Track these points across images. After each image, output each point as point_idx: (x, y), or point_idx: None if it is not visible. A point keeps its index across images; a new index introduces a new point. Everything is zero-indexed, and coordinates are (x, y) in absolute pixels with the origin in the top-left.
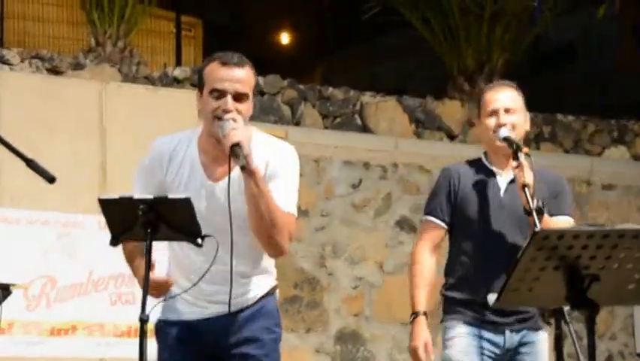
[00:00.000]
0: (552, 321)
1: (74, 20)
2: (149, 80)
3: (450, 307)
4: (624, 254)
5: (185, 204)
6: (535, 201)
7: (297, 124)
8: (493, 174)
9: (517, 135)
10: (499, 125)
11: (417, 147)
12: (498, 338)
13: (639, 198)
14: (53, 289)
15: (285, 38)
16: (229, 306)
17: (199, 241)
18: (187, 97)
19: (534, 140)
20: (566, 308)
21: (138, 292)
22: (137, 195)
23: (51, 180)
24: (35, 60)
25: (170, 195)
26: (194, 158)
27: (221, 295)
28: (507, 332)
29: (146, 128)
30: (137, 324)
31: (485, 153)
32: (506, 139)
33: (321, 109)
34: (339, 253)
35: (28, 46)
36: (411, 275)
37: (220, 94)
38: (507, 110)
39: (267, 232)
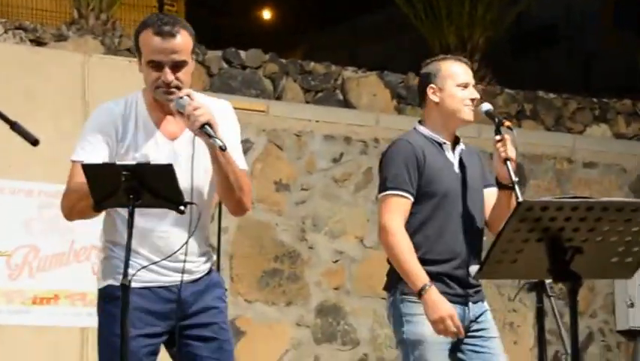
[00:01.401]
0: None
1: None
2: (131, 53)
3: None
4: (608, 227)
5: (167, 170)
6: (515, 176)
7: (279, 98)
8: (442, 147)
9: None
10: (473, 100)
11: (398, 123)
12: (462, 311)
13: (620, 176)
14: (36, 259)
15: (266, 15)
16: (179, 274)
17: (181, 208)
18: None
19: (515, 117)
20: (548, 282)
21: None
22: (119, 161)
23: (34, 142)
24: (18, 31)
25: (152, 162)
26: (146, 118)
27: (179, 264)
28: (470, 304)
29: None
30: None
31: (423, 123)
32: (488, 113)
33: (303, 83)
34: (319, 227)
35: (11, 17)
36: (395, 247)
37: (157, 65)
38: (475, 87)
39: (234, 194)
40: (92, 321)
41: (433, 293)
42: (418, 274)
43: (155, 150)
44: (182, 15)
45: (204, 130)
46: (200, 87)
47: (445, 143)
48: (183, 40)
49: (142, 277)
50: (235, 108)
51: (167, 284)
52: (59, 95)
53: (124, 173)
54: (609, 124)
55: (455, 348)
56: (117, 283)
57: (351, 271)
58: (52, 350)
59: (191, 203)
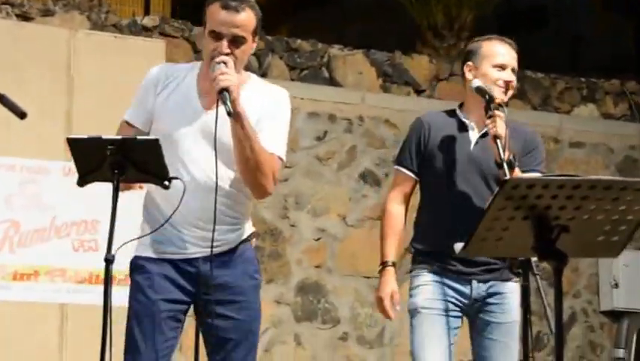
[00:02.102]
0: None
1: None
2: (117, 29)
3: (416, 258)
4: (595, 205)
5: (154, 145)
6: (507, 153)
7: (264, 75)
8: (465, 127)
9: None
10: (507, 83)
11: (383, 101)
12: (465, 288)
13: (607, 156)
14: (17, 234)
15: None
16: (212, 245)
17: (166, 183)
18: (156, 46)
19: None
20: (534, 260)
21: (101, 239)
22: (104, 135)
23: (22, 115)
24: (5, 6)
25: (139, 137)
26: (191, 85)
27: (205, 233)
28: (474, 282)
29: (114, 76)
30: (99, 271)
31: (461, 105)
32: (479, 89)
33: (289, 61)
34: (302, 205)
35: None
36: (381, 230)
37: (217, 36)
38: (513, 70)
39: (251, 173)
40: (72, 298)
41: (386, 273)
42: (383, 252)
43: (187, 115)
44: None
45: (221, 95)
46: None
47: (469, 124)
48: (247, 17)
49: (162, 249)
50: None
51: (186, 257)
52: (44, 70)
53: (109, 147)
54: (597, 104)
55: (471, 323)
56: (141, 254)
57: (333, 250)
58: (32, 325)
59: (175, 178)
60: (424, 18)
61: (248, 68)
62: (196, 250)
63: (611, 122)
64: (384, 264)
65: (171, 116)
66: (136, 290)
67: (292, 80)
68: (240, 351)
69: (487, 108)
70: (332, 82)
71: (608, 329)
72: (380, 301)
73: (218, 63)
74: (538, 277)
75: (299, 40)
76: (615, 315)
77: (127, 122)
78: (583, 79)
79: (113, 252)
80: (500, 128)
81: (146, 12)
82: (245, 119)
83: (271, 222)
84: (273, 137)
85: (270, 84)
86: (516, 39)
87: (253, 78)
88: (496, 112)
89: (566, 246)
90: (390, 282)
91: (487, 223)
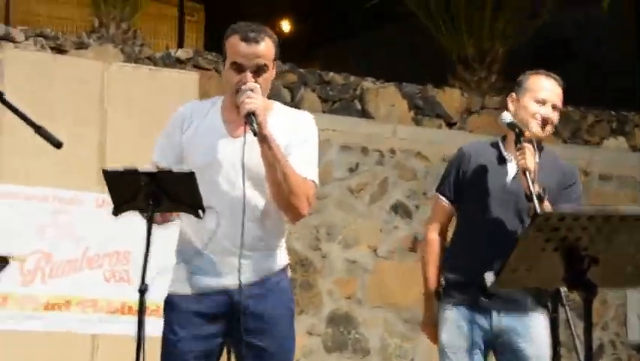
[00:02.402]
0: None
1: (79, 2)
2: (151, 61)
3: (444, 289)
4: (625, 237)
5: (189, 177)
6: (536, 186)
7: (296, 107)
8: (504, 160)
9: (545, 133)
10: (545, 119)
11: (415, 134)
12: (486, 321)
13: (636, 189)
14: (48, 265)
15: (285, 26)
16: (239, 274)
17: (200, 213)
18: (189, 78)
19: None
20: (563, 291)
21: (132, 270)
22: (140, 168)
23: (58, 145)
24: (40, 38)
25: (174, 169)
26: (215, 117)
27: (234, 264)
28: (494, 314)
29: (147, 109)
30: (131, 301)
31: (504, 137)
32: (510, 124)
33: (321, 93)
34: (333, 236)
35: (32, 25)
36: (423, 258)
37: (240, 68)
38: (554, 107)
39: (284, 196)
40: (103, 328)
41: (427, 302)
42: (425, 281)
43: (215, 145)
44: (202, 25)
45: (248, 117)
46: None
47: (508, 157)
48: (267, 46)
49: (197, 281)
50: None
51: (221, 286)
52: (78, 102)
53: (143, 179)
54: (626, 137)
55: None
56: (176, 291)
57: (364, 281)
58: (63, 356)
59: (209, 208)
60: (456, 51)
61: (281, 101)
62: (230, 279)
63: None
64: (426, 293)
65: (199, 148)
66: (168, 329)
67: (324, 112)
68: None
69: (517, 141)
70: (364, 114)
71: None
72: (422, 329)
73: (245, 90)
74: (567, 307)
75: (331, 73)
76: None
77: (156, 164)
78: (612, 112)
79: (146, 282)
80: (529, 161)
81: (180, 45)
82: (273, 142)
83: (303, 253)
84: (303, 161)
85: (294, 109)
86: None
87: (277, 105)
88: (525, 145)
89: (595, 277)
90: (431, 310)
91: (518, 255)
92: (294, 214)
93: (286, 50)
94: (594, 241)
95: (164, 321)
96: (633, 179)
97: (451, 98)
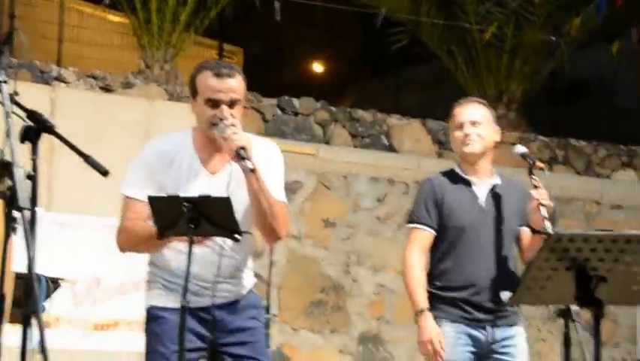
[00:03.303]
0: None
1: (126, 45)
2: None
3: (435, 305)
4: (630, 258)
5: (226, 202)
6: (546, 222)
7: (328, 143)
8: (469, 183)
9: (485, 145)
10: (465, 136)
11: (438, 166)
12: (480, 334)
13: None
14: (98, 288)
15: (318, 68)
16: (210, 295)
17: (237, 236)
18: None
19: (548, 162)
20: (574, 309)
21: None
22: (182, 194)
23: (104, 173)
24: (89, 79)
25: (212, 195)
26: (193, 155)
27: (215, 285)
28: (488, 328)
29: None
30: None
31: (458, 164)
32: (523, 155)
33: (351, 129)
34: (362, 261)
35: (83, 67)
36: (405, 279)
37: (215, 103)
38: (473, 123)
39: (268, 223)
40: None
41: (426, 318)
42: (418, 300)
43: (194, 183)
44: (240, 66)
45: (239, 153)
46: (255, 132)
47: (470, 179)
48: (238, 81)
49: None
50: (287, 151)
51: (201, 305)
52: (125, 137)
53: (185, 204)
54: (636, 169)
55: None
56: (158, 304)
57: (392, 303)
58: None
59: (247, 233)
60: (475, 90)
61: (314, 137)
62: (206, 300)
63: None
64: (421, 310)
65: (184, 188)
66: (154, 341)
67: (355, 147)
68: None
69: (530, 172)
70: (391, 148)
71: None
72: (428, 343)
73: (227, 126)
74: (577, 324)
75: (360, 111)
76: None
77: (134, 199)
78: (622, 146)
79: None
80: (544, 196)
81: None
82: (260, 174)
83: (334, 277)
84: (276, 187)
85: (260, 138)
86: (560, 110)
87: (246, 134)
88: (538, 183)
89: (603, 294)
90: (434, 325)
91: (532, 273)
92: (275, 236)
93: (319, 90)
94: (602, 261)
95: (150, 333)
96: None
97: None
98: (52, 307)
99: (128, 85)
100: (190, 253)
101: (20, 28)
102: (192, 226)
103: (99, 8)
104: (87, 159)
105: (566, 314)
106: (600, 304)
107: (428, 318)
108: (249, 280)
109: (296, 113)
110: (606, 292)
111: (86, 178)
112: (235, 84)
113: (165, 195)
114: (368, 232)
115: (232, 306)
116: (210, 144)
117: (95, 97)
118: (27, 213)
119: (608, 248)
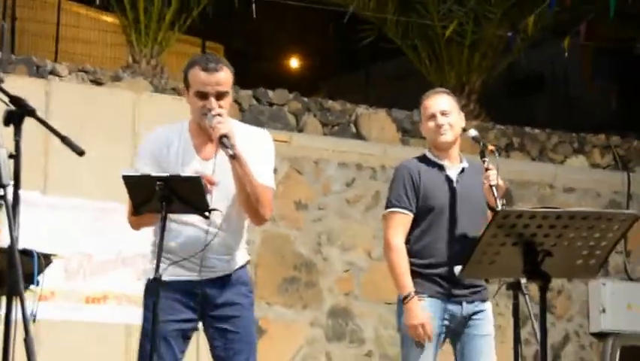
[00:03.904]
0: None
1: (115, 43)
2: (176, 92)
3: (415, 280)
4: (574, 233)
5: (196, 182)
6: (499, 201)
7: (300, 131)
8: (442, 167)
9: (455, 133)
10: (439, 126)
11: (403, 152)
12: (456, 309)
13: (595, 200)
14: (89, 264)
15: (293, 63)
16: (199, 271)
17: (206, 214)
18: None
19: (505, 149)
20: (523, 281)
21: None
22: (154, 173)
23: (80, 153)
24: (81, 73)
25: (183, 174)
26: (188, 142)
27: (211, 261)
28: (464, 303)
29: None
30: None
31: (429, 149)
32: (474, 138)
33: (322, 118)
34: (333, 241)
35: (78, 64)
36: (392, 262)
37: (204, 95)
38: (443, 113)
39: (252, 205)
40: (136, 319)
41: (414, 302)
42: (406, 285)
43: (187, 167)
44: None
45: (221, 140)
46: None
47: (443, 164)
48: (226, 74)
49: (172, 272)
50: None
51: (191, 278)
52: (113, 127)
53: (158, 183)
54: (586, 156)
55: (456, 337)
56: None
57: (360, 280)
58: (102, 342)
59: (215, 210)
60: (439, 82)
61: (287, 125)
62: (196, 274)
63: (598, 171)
64: (409, 295)
65: (177, 171)
66: (149, 311)
67: (325, 134)
68: (241, 357)
69: (482, 154)
70: (359, 136)
71: (596, 348)
72: (419, 327)
73: (214, 116)
74: (527, 296)
75: (330, 101)
76: (602, 336)
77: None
78: (574, 134)
79: (160, 272)
80: (493, 177)
81: None
82: (243, 159)
83: (307, 256)
84: (262, 172)
85: (250, 126)
86: (517, 101)
87: (236, 123)
88: (491, 167)
89: (549, 268)
90: (421, 309)
91: (481, 248)
92: (260, 219)
93: (294, 83)
94: (547, 237)
95: (146, 304)
96: (593, 191)
97: None
98: (46, 281)
99: (117, 78)
100: (163, 228)
101: (21, 28)
102: (164, 203)
103: (92, 9)
104: (64, 139)
105: (515, 287)
106: (547, 277)
107: (415, 302)
108: (241, 257)
109: (271, 104)
110: (552, 266)
111: (76, 164)
112: (222, 77)
113: (145, 173)
114: (338, 213)
115: (221, 281)
116: (203, 132)
117: (87, 89)
118: (9, 190)
119: (553, 224)
